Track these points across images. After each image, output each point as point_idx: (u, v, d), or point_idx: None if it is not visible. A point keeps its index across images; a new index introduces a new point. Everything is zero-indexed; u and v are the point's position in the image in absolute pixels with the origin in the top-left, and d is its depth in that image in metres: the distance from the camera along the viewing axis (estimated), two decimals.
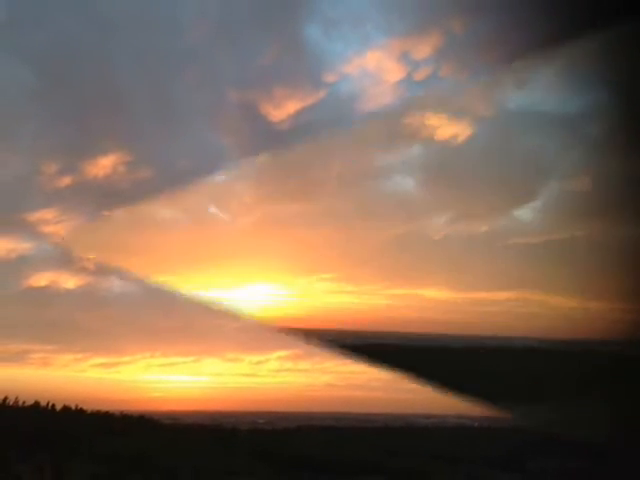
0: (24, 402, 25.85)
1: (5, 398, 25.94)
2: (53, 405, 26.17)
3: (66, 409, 26.52)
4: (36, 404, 25.82)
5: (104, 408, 31.43)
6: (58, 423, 25.59)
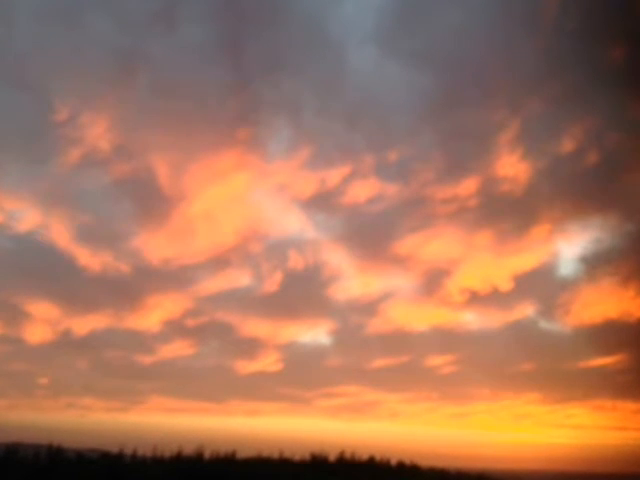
0: (360, 456, 27.22)
1: (342, 452, 27.74)
2: (388, 460, 27.09)
3: (400, 464, 27.06)
4: (371, 459, 26.95)
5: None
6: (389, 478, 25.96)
